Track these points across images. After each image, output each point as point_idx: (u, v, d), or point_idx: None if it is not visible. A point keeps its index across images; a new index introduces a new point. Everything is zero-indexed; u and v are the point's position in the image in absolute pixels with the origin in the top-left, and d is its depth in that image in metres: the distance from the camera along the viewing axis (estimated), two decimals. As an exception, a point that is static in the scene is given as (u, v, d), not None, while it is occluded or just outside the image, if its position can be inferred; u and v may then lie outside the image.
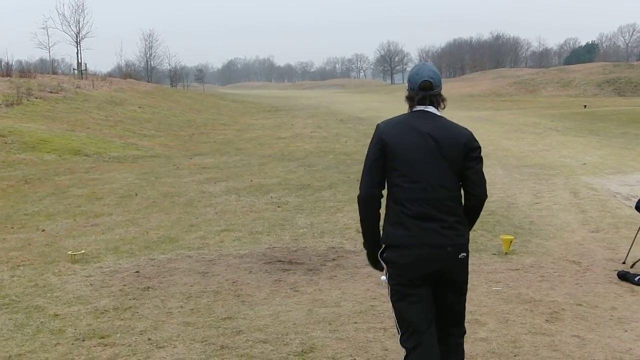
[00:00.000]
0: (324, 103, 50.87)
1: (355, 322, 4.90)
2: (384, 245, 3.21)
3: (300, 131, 24.31)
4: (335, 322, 4.90)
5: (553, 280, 5.99)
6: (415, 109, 3.20)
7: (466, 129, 3.24)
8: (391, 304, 3.24)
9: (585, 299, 5.47)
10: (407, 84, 3.25)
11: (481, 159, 3.20)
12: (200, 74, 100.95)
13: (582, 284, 5.89)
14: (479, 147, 3.20)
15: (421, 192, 3.08)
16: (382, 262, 3.25)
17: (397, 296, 3.18)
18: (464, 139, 3.15)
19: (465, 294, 3.29)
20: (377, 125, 3.26)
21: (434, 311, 3.20)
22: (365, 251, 3.36)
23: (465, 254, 3.15)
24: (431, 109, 3.18)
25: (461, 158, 3.13)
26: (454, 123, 3.23)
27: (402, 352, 3.23)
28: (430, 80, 3.15)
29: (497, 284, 5.84)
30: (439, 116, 3.20)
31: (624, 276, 5.96)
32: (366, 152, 3.26)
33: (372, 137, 3.24)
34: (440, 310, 3.22)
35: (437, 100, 3.19)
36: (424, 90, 3.16)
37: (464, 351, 3.38)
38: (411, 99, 3.22)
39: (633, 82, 56.01)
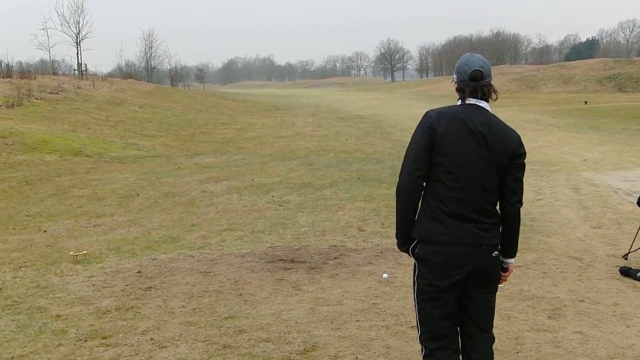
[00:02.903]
0: (324, 101, 50.85)
1: (358, 320, 4.90)
2: (416, 240, 3.10)
3: (301, 130, 24.29)
4: (337, 321, 4.90)
5: (555, 277, 5.99)
6: (467, 102, 3.08)
7: (515, 132, 3.13)
8: (415, 302, 3.16)
9: (588, 295, 5.47)
10: (455, 76, 3.12)
11: (524, 166, 3.10)
12: (200, 74, 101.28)
13: (584, 280, 5.89)
14: (525, 154, 3.10)
15: (463, 192, 3.00)
16: (412, 258, 3.14)
17: (424, 296, 3.10)
18: (514, 144, 3.05)
19: (496, 292, 3.22)
20: (427, 113, 3.10)
21: (459, 316, 3.15)
22: (397, 240, 3.24)
23: (497, 253, 3.10)
24: (483, 104, 3.07)
25: (507, 163, 3.04)
26: (505, 124, 3.11)
27: (417, 347, 3.16)
28: (480, 69, 3.05)
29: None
30: (492, 114, 3.08)
31: (626, 272, 5.97)
32: (410, 140, 3.11)
33: (419, 124, 3.09)
34: (471, 311, 3.15)
35: (488, 91, 3.08)
36: (475, 81, 3.04)
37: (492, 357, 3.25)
38: (462, 91, 3.09)
39: (634, 78, 55.89)
